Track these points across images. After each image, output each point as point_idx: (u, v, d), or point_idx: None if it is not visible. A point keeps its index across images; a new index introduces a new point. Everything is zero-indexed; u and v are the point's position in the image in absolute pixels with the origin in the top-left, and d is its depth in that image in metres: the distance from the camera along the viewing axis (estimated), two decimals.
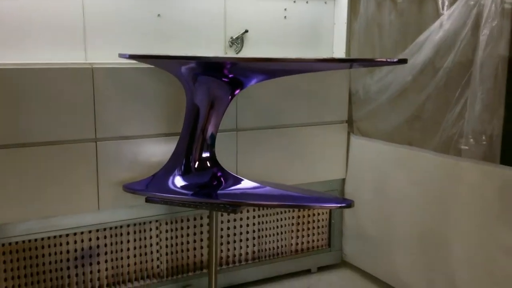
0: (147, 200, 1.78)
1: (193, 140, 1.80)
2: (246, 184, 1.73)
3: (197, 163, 1.80)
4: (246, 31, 2.19)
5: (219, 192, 1.73)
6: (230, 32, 2.21)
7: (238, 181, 1.75)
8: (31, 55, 1.98)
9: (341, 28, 2.37)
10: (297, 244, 2.38)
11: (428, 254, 1.99)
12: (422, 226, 2.00)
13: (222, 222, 2.16)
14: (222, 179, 1.79)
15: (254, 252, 2.28)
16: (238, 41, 2.18)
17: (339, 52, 2.39)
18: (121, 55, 1.74)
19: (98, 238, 1.96)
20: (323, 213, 2.43)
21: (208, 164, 1.81)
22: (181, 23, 2.18)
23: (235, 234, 2.22)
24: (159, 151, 1.96)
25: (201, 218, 2.13)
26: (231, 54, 2.22)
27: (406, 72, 2.03)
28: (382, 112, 2.17)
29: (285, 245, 2.35)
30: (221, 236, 2.19)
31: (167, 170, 1.84)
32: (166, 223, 2.07)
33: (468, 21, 1.77)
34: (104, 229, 1.96)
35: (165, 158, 1.94)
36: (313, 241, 2.42)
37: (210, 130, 1.79)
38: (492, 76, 1.70)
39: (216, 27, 2.20)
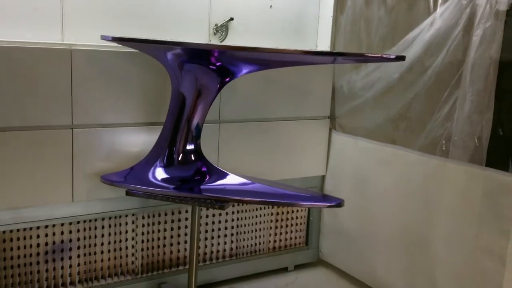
0: (128, 193, 1.69)
1: (177, 130, 1.71)
2: (232, 179, 1.66)
3: (180, 155, 1.72)
4: (231, 19, 2.12)
5: (204, 186, 1.65)
6: (215, 19, 2.13)
7: (224, 175, 1.68)
8: (3, 33, 1.85)
9: (326, 21, 2.33)
10: (275, 241, 2.33)
11: (409, 254, 1.97)
12: (404, 226, 1.99)
13: (200, 217, 2.09)
14: (206, 173, 1.71)
15: (232, 249, 2.21)
16: (222, 29, 2.11)
17: (324, 46, 2.35)
18: (104, 37, 1.63)
19: (70, 232, 1.85)
20: (301, 210, 2.39)
21: (192, 158, 1.73)
22: (164, 8, 2.09)
23: (213, 230, 2.15)
24: (139, 141, 1.87)
25: (179, 212, 2.05)
26: (215, 42, 2.14)
27: (394, 70, 2.01)
28: (366, 109, 2.14)
29: (263, 242, 2.30)
30: (199, 232, 2.11)
31: (148, 161, 1.75)
32: (143, 217, 1.98)
33: (460, 21, 1.76)
34: (78, 222, 1.85)
35: (144, 149, 1.86)
36: (291, 238, 2.38)
37: (195, 120, 1.71)
38: (483, 77, 1.69)
39: (201, 13, 2.11)
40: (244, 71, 1.67)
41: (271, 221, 2.30)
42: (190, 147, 1.72)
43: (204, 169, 1.71)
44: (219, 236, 2.17)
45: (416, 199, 1.93)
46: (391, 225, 2.04)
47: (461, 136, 1.76)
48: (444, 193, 1.83)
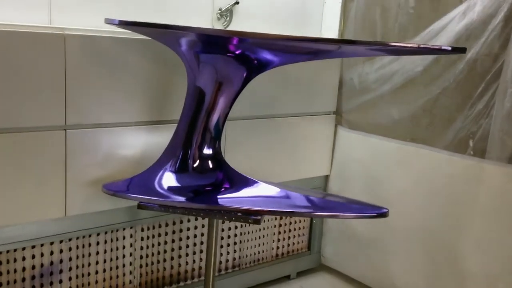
0: (141, 207, 1.42)
1: (193, 131, 1.47)
2: (263, 189, 1.44)
3: (197, 162, 1.47)
4: (237, 2, 1.87)
5: (230, 197, 1.42)
6: (219, 3, 1.88)
7: (251, 184, 1.46)
8: None
9: (333, 7, 2.13)
10: (277, 248, 2.13)
11: (432, 261, 1.84)
12: (426, 230, 1.85)
13: (196, 227, 1.85)
14: (229, 182, 1.48)
15: (234, 259, 1.99)
16: (227, 14, 1.86)
17: (330, 34, 2.16)
18: (109, 21, 1.35)
19: (61, 251, 1.56)
20: None
21: (210, 165, 1.48)
22: None
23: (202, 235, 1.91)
24: (141, 143, 1.61)
25: (181, 222, 1.80)
26: (218, 27, 1.89)
27: (416, 62, 1.85)
28: (381, 104, 1.97)
29: (267, 250, 2.09)
30: (201, 243, 1.88)
31: (158, 167, 1.49)
32: (142, 229, 1.72)
33: (501, 10, 1.62)
34: (70, 240, 1.56)
35: (148, 152, 1.61)
36: (293, 243, 2.19)
37: (214, 118, 1.46)
38: None
39: None
40: (274, 60, 1.45)
41: (275, 226, 2.10)
42: (208, 151, 1.48)
43: (225, 178, 1.47)
44: (222, 246, 1.94)
45: (441, 201, 1.80)
46: (410, 230, 1.89)
47: (500, 134, 1.63)
48: (478, 195, 1.70)
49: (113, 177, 1.56)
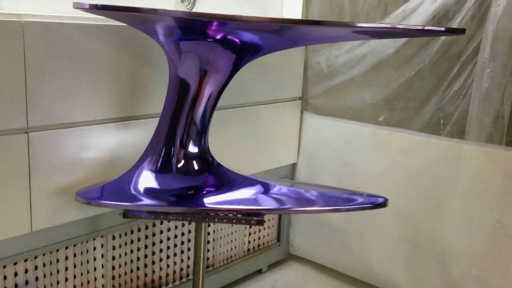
0: (126, 215, 1.26)
1: (177, 126, 1.32)
2: (260, 187, 1.32)
3: (182, 162, 1.33)
4: None
5: (220, 197, 1.29)
6: None
7: (245, 182, 1.34)
8: None
9: None
10: (249, 242, 2.03)
11: (412, 245, 1.83)
12: (404, 215, 1.83)
13: (169, 229, 1.71)
14: (219, 181, 1.35)
15: (208, 258, 1.87)
16: None
17: (292, 16, 2.06)
18: (78, 5, 1.17)
19: (27, 271, 1.36)
20: None
21: (196, 166, 1.34)
22: None
23: (189, 241, 1.78)
24: (112, 142, 1.43)
25: (154, 225, 1.65)
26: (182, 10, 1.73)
27: (388, 44, 1.81)
28: (351, 87, 1.92)
29: (238, 246, 1.99)
30: (175, 245, 1.74)
31: (136, 168, 1.34)
32: (114, 238, 1.55)
33: None
34: (35, 257, 1.37)
35: (119, 152, 1.45)
36: (263, 236, 2.10)
37: (200, 111, 1.32)
38: (507, 51, 1.56)
39: None
40: (263, 44, 1.33)
41: None
42: (193, 149, 1.34)
43: (215, 177, 1.34)
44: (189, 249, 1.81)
45: (419, 184, 1.78)
46: (388, 214, 1.87)
47: (478, 115, 1.63)
48: (457, 177, 1.70)
49: (82, 183, 1.38)
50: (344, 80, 1.93)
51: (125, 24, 1.36)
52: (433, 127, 1.75)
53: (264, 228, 2.09)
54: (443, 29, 1.48)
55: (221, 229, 1.90)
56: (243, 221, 1.24)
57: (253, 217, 1.24)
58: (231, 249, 1.96)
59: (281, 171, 2.08)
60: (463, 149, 1.68)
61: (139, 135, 1.47)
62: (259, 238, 2.08)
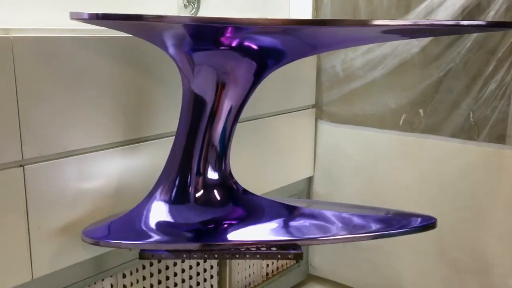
0: (143, 256, 1.07)
1: (193, 148, 1.15)
2: (292, 213, 1.16)
3: (201, 191, 1.16)
4: None
5: (260, 229, 1.12)
6: None
7: (275, 208, 1.17)
8: None
9: None
10: (267, 266, 1.86)
11: (449, 261, 1.67)
12: (440, 227, 1.65)
13: (183, 261, 1.53)
14: (246, 210, 1.17)
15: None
16: (194, 0, 1.54)
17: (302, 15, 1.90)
18: (76, 15, 0.99)
19: None
20: None
21: (217, 196, 1.17)
22: None
23: (198, 274, 1.60)
24: (117, 169, 1.26)
25: None
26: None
27: (412, 43, 1.66)
28: (371, 92, 1.76)
29: (257, 271, 1.82)
30: (190, 277, 1.56)
31: (149, 200, 1.16)
32: (124, 276, 1.37)
33: None
34: None
35: (126, 181, 1.27)
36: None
37: (219, 130, 1.16)
38: None
39: None
40: (285, 49, 1.16)
41: None
42: (213, 175, 1.17)
43: (241, 205, 1.17)
44: (212, 277, 1.64)
45: (455, 195, 1.63)
46: None
47: None
48: (498, 185, 1.54)
49: (87, 219, 1.20)
50: (363, 84, 1.77)
51: (128, 35, 1.19)
52: (467, 132, 1.59)
53: None
54: (483, 23, 1.31)
55: None
56: (279, 256, 1.07)
57: (289, 250, 1.07)
58: (249, 275, 1.79)
59: (298, 186, 1.91)
60: (504, 155, 1.52)
61: (149, 159, 1.30)
62: (277, 260, 1.91)
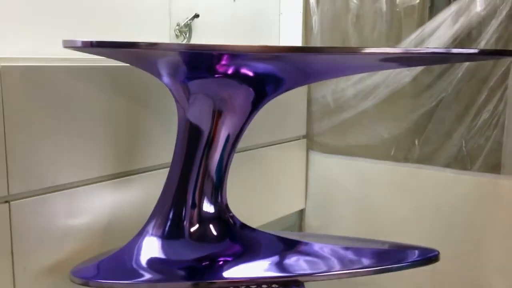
0: None
1: (187, 180, 1.11)
2: (291, 248, 1.11)
3: (195, 226, 1.11)
4: (197, 15, 1.53)
5: (257, 265, 1.07)
6: (177, 18, 1.52)
7: (273, 244, 1.12)
8: None
9: (290, 18, 1.87)
10: None
11: None
12: (440, 263, 1.63)
13: None
14: (243, 246, 1.12)
15: None
16: (186, 30, 1.52)
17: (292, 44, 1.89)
18: (69, 43, 0.95)
19: None
20: None
21: (213, 231, 1.12)
22: (111, 7, 1.40)
23: None
24: (110, 204, 1.20)
25: None
26: None
27: (403, 72, 1.65)
28: (364, 122, 1.74)
29: None
30: None
31: (144, 233, 1.11)
32: None
33: (503, 7, 1.47)
34: None
35: (118, 216, 1.21)
36: None
37: (215, 160, 1.12)
38: None
39: (159, 12, 1.48)
40: (283, 76, 1.13)
41: None
42: (209, 208, 1.12)
43: (239, 240, 1.12)
44: None
45: (452, 227, 1.59)
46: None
47: None
48: (495, 215, 1.52)
49: (76, 258, 1.14)
50: (354, 114, 1.76)
51: (121, 64, 1.15)
52: (461, 161, 1.58)
53: None
54: (476, 51, 1.31)
55: None
56: None
57: (292, 287, 1.02)
58: None
59: (289, 219, 1.87)
60: (500, 185, 1.51)
61: (141, 192, 1.25)
62: None
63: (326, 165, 1.85)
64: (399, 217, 1.69)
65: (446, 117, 1.60)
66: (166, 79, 1.07)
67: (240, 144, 1.58)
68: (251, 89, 1.11)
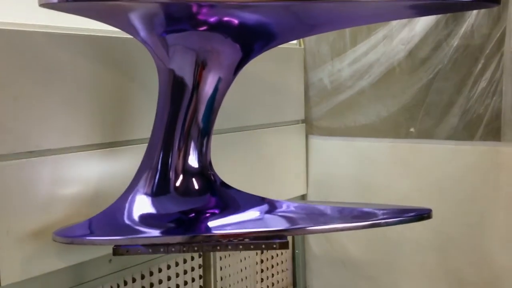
0: (117, 252, 1.00)
1: (172, 138, 1.09)
2: (279, 206, 1.09)
3: (180, 178, 1.09)
4: None
5: (243, 219, 1.05)
6: None
7: (259, 202, 1.10)
8: None
9: None
10: (262, 280, 1.76)
11: (454, 271, 1.57)
12: (443, 236, 1.58)
13: (169, 278, 1.44)
14: (225, 202, 1.11)
15: None
16: None
17: None
18: (45, 1, 0.96)
19: None
20: None
21: (196, 185, 1.11)
22: None
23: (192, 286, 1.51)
24: (95, 173, 1.20)
25: (151, 274, 1.38)
26: None
27: (397, 48, 1.63)
28: (361, 102, 1.72)
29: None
30: None
31: (127, 194, 1.10)
32: None
33: None
34: None
35: (103, 186, 1.21)
36: (277, 282, 1.83)
37: (200, 113, 1.10)
38: None
39: None
40: (270, 23, 1.09)
41: (256, 263, 1.74)
42: (193, 162, 1.11)
43: (217, 203, 1.10)
44: None
45: (455, 199, 1.55)
46: (422, 240, 1.62)
47: None
48: (498, 184, 1.48)
49: (61, 223, 1.13)
50: (352, 94, 1.74)
51: (105, 35, 1.16)
52: (462, 132, 1.54)
53: (278, 272, 1.83)
54: None
55: (230, 275, 1.63)
56: (263, 246, 1.00)
57: (274, 240, 0.99)
58: None
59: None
60: (501, 152, 1.46)
61: (128, 164, 1.23)
62: (272, 284, 1.81)
63: (327, 148, 1.82)
64: (402, 194, 1.65)
65: (444, 89, 1.57)
66: (142, 33, 1.06)
67: (239, 124, 1.59)
68: (234, 39, 1.08)
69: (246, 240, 0.99)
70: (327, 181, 1.83)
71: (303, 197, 1.89)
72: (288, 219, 1.06)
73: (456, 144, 1.55)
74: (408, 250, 1.66)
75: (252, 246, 0.99)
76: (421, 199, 1.61)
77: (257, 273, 1.73)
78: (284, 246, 0.98)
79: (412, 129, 1.62)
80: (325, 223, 1.03)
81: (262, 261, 1.75)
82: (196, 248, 1.00)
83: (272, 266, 1.80)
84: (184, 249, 0.99)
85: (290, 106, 1.81)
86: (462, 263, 1.57)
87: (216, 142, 1.48)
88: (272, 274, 1.80)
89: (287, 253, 1.87)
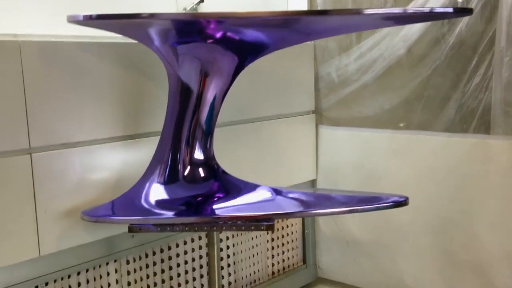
0: (132, 230, 1.20)
1: (181, 132, 1.27)
2: (270, 193, 1.26)
3: (187, 169, 1.28)
4: (202, 0, 1.71)
5: (237, 204, 1.23)
6: (183, 3, 1.70)
7: (253, 188, 1.28)
8: None
9: None
10: (272, 265, 1.94)
11: (446, 253, 1.71)
12: (435, 221, 1.72)
13: (185, 252, 1.64)
14: (225, 189, 1.29)
15: (230, 283, 1.78)
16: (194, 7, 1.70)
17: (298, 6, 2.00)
18: (73, 18, 1.15)
19: None
20: (296, 223, 2.03)
21: (201, 173, 1.29)
22: None
23: (201, 267, 1.69)
24: (118, 162, 1.39)
25: (169, 248, 1.58)
26: None
27: (398, 45, 1.75)
28: (365, 94, 1.85)
29: (262, 269, 1.90)
30: (193, 269, 1.66)
31: (143, 182, 1.29)
32: (128, 262, 1.48)
33: None
34: (46, 284, 1.31)
35: (126, 172, 1.41)
36: (288, 258, 2.00)
37: (204, 115, 1.27)
38: None
39: None
40: (266, 40, 1.26)
41: (267, 241, 1.92)
42: (199, 155, 1.29)
43: (223, 184, 1.28)
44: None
45: (449, 188, 1.68)
46: (418, 224, 1.76)
47: (502, 106, 1.54)
48: (487, 174, 1.60)
49: (89, 204, 1.33)
50: (357, 87, 1.87)
51: (125, 42, 1.34)
52: (457, 125, 1.66)
53: (288, 250, 2.00)
54: (450, 10, 1.39)
55: (242, 251, 1.82)
56: (253, 227, 1.17)
57: (262, 223, 1.17)
58: (254, 272, 1.87)
59: (300, 189, 1.99)
60: (490, 145, 1.58)
61: (147, 154, 1.42)
62: (283, 260, 1.99)
63: (335, 137, 1.97)
64: (400, 182, 1.79)
65: (441, 84, 1.68)
66: (157, 43, 1.23)
67: (254, 115, 1.76)
68: (234, 53, 1.26)
69: (239, 222, 1.17)
70: (334, 168, 1.98)
71: (312, 182, 2.04)
72: (279, 204, 1.23)
73: (450, 136, 1.67)
74: (405, 233, 1.80)
75: (243, 228, 1.17)
76: (417, 187, 1.74)
77: (267, 249, 1.91)
78: (270, 228, 1.16)
79: (401, 124, 1.75)
80: (308, 208, 1.19)
81: (273, 240, 1.93)
82: (196, 229, 1.18)
83: (283, 244, 1.98)
84: (186, 228, 1.18)
85: (301, 98, 1.95)
86: (454, 244, 1.70)
87: (231, 132, 1.68)
88: (283, 251, 1.98)
89: (297, 233, 2.04)
